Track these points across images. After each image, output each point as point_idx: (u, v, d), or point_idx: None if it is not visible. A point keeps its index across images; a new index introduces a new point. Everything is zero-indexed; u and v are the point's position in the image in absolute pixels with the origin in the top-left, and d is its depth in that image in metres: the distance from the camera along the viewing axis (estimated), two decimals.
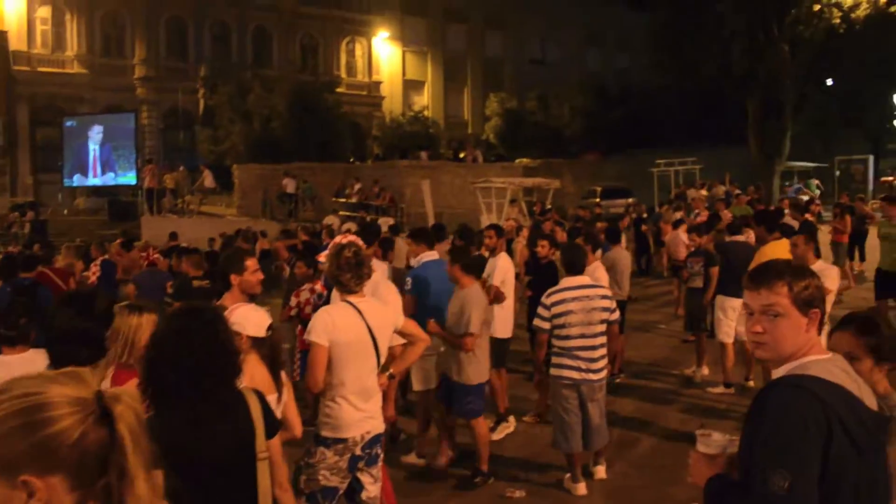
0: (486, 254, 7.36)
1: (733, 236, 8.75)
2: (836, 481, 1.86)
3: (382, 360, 4.01)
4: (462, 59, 47.19)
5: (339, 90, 37.01)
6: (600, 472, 5.64)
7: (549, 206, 23.95)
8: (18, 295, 7.80)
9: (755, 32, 25.73)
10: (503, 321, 6.92)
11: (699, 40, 26.11)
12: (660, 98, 35.56)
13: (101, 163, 31.51)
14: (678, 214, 16.60)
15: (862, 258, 15.16)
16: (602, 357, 5.27)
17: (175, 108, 36.44)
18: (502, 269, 6.87)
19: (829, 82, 29.44)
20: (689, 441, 2.31)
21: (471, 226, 14.42)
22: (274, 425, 2.67)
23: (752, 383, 7.89)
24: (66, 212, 32.11)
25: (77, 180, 32.31)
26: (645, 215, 19.43)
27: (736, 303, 7.46)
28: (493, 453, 6.07)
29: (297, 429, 3.67)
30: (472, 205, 24.88)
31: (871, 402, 1.99)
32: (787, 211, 15.42)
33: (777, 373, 2.05)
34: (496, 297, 6.78)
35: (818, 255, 11.62)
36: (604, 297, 5.34)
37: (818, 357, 2.02)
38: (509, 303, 6.99)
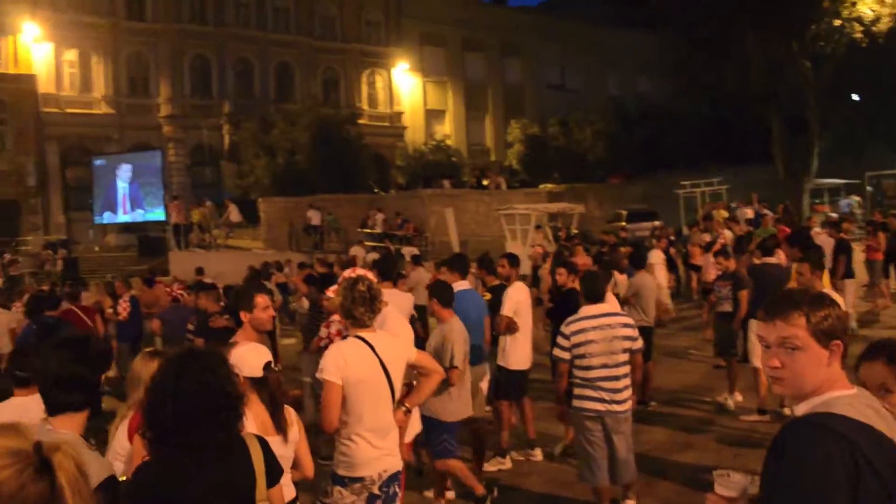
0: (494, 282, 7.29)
1: (765, 257, 8.57)
2: None
3: (397, 395, 3.92)
4: (482, 87, 47.43)
5: (361, 122, 37.31)
6: None
7: (574, 231, 23.89)
8: (43, 333, 7.89)
9: (775, 49, 25.53)
10: (517, 352, 6.77)
11: (716, 59, 25.97)
12: (682, 118, 35.39)
13: (129, 200, 32.05)
14: (707, 237, 16.39)
15: None
16: (626, 387, 5.12)
17: (201, 144, 36.95)
18: (513, 300, 6.76)
19: (855, 97, 29.07)
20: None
21: (491, 255, 14.34)
22: (276, 473, 2.59)
23: (787, 410, 7.65)
24: (97, 248, 32.63)
25: (107, 217, 32.86)
26: (672, 238, 19.18)
27: None
28: (519, 487, 5.94)
29: (309, 469, 3.58)
30: (497, 232, 24.85)
31: None
32: (817, 229, 15.15)
33: (798, 410, 1.92)
34: (508, 327, 6.68)
35: (851, 275, 11.37)
36: (626, 325, 5.19)
37: (843, 393, 1.88)
38: (524, 333, 6.85)
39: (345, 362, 3.70)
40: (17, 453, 1.15)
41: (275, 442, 3.33)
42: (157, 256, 27.80)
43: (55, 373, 2.53)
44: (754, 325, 7.71)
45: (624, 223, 27.35)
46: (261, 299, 4.30)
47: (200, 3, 37.75)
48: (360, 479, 3.76)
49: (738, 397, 8.31)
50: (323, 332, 7.14)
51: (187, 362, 2.43)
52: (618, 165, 36.96)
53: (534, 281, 14.43)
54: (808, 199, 27.77)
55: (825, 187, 29.06)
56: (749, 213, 21.61)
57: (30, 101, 33.75)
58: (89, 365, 2.55)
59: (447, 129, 45.26)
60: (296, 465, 3.54)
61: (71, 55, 35.03)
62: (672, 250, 17.55)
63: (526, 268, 19.59)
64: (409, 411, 4.17)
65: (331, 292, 4.40)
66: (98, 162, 33.07)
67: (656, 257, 13.18)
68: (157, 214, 30.95)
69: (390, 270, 7.15)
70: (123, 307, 11.87)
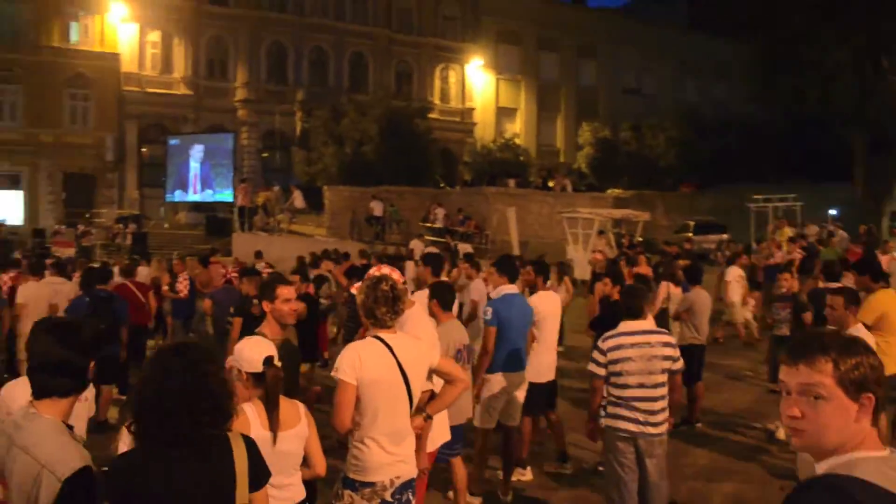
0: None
1: (829, 282, 8.11)
2: None
3: (416, 400, 3.75)
4: (555, 88, 46.91)
5: (431, 116, 37.33)
6: None
7: (639, 239, 23.37)
8: (94, 307, 8.05)
9: (862, 65, 24.44)
10: (539, 364, 6.51)
11: (800, 72, 24.99)
12: (758, 130, 34.26)
13: (200, 180, 32.81)
14: (779, 255, 15.75)
15: None
16: (663, 409, 4.85)
17: (273, 129, 37.59)
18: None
19: None
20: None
21: (550, 258, 14.11)
22: (261, 475, 2.49)
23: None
24: (166, 225, 33.55)
25: (178, 196, 33.73)
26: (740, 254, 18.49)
27: None
28: (546, 501, 5.73)
29: (320, 466, 3.49)
30: (559, 235, 24.51)
31: None
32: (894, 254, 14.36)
33: (819, 468, 1.71)
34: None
35: None
36: (666, 343, 4.91)
37: (870, 454, 1.65)
38: (545, 345, 6.56)
39: (360, 362, 3.58)
40: None
41: (284, 437, 3.25)
42: (223, 237, 28.38)
43: (40, 356, 2.47)
44: None
45: (690, 234, 26.65)
46: (282, 290, 4.23)
47: None
48: (371, 485, 3.63)
49: None
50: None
51: (174, 358, 2.36)
52: (689, 174, 36.09)
53: (591, 288, 14.11)
54: (888, 221, 26.55)
55: None
56: (813, 232, 20.61)
57: (113, 79, 34.90)
58: (77, 350, 2.47)
59: (517, 127, 44.94)
60: (306, 463, 3.45)
61: (154, 36, 36.06)
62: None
63: (585, 273, 19.29)
64: (429, 418, 4.00)
65: (354, 289, 4.26)
66: (173, 141, 33.96)
67: (733, 274, 12.70)
68: (226, 196, 31.58)
69: (439, 266, 7.03)
70: (183, 284, 12.07)
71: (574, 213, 23.93)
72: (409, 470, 3.74)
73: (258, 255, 17.52)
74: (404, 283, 4.47)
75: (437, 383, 4.15)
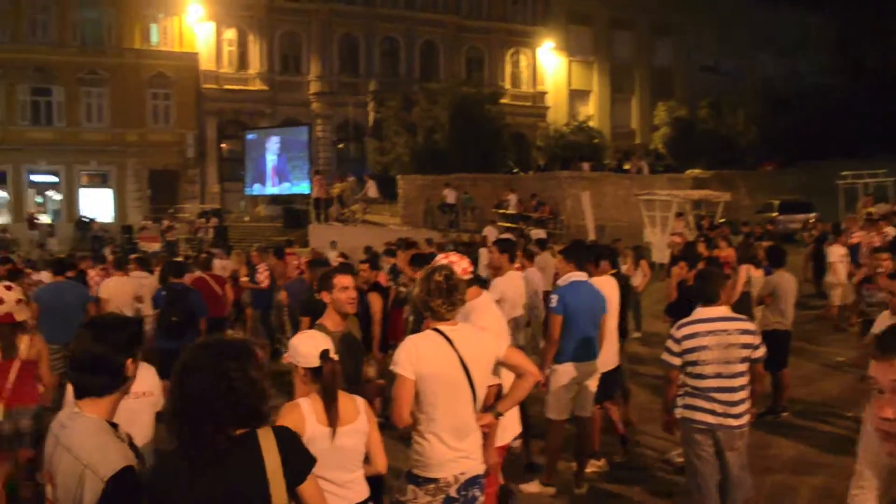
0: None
1: None
2: None
3: (480, 394, 3.61)
4: (629, 68, 45.78)
5: (503, 101, 37.00)
6: None
7: (720, 221, 22.60)
8: (172, 299, 8.26)
9: None
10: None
11: (886, 41, 23.56)
12: (845, 103, 32.57)
13: (277, 173, 33.51)
14: (876, 237, 14.89)
15: None
16: (743, 400, 4.58)
17: (346, 121, 38.01)
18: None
19: None
20: None
21: (627, 242, 13.77)
22: (301, 466, 2.38)
23: None
24: (246, 218, 34.44)
25: (257, 189, 34.55)
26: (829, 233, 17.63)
27: None
28: (620, 494, 5.55)
29: (381, 463, 3.42)
30: (636, 218, 23.96)
31: None
32: None
33: None
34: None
35: None
36: (745, 331, 4.62)
37: None
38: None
39: (417, 356, 3.47)
40: None
41: (342, 433, 3.20)
42: (300, 228, 28.93)
43: (77, 354, 2.45)
44: None
45: (775, 214, 25.65)
46: (339, 279, 4.18)
47: None
48: (435, 481, 3.54)
49: None
50: None
51: (198, 356, 2.30)
52: (771, 151, 34.68)
53: (669, 272, 13.74)
54: None
55: None
56: (882, 209, 19.34)
57: (192, 78, 35.93)
58: (111, 348, 2.42)
59: (591, 110, 44.11)
60: (367, 459, 3.40)
61: (230, 34, 36.90)
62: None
63: (663, 257, 18.79)
64: (499, 416, 3.80)
65: (417, 276, 4.15)
66: (250, 136, 34.76)
67: (836, 254, 12.07)
68: (302, 188, 32.14)
69: (514, 252, 6.91)
70: (264, 275, 12.31)
71: (651, 195, 23.33)
72: (474, 466, 3.62)
73: (333, 245, 17.74)
74: (474, 272, 4.35)
75: (507, 379, 4.01)
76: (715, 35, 46.22)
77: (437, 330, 3.57)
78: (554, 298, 5.83)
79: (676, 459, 6.22)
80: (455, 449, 3.54)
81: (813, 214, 23.63)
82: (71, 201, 35.06)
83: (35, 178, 34.89)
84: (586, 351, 5.86)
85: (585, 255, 6.24)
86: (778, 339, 7.61)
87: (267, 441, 2.31)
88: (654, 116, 40.68)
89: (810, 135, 33.04)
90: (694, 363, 4.55)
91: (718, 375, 4.52)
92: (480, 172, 30.27)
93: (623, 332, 7.66)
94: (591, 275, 6.15)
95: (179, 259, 14.09)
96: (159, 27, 35.86)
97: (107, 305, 9.53)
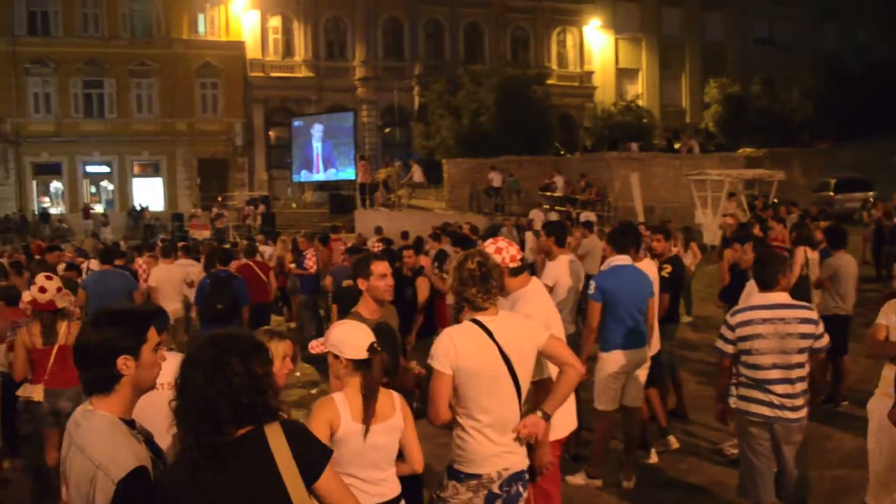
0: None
1: None
2: None
3: (524, 386, 3.43)
4: (679, 45, 44.67)
5: (549, 82, 36.52)
6: None
7: (774, 201, 21.92)
8: (216, 286, 8.29)
9: None
10: None
11: None
12: None
13: (323, 159, 33.63)
14: None
15: None
16: (803, 392, 4.32)
17: (391, 105, 38.00)
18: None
19: None
20: None
21: (677, 224, 13.43)
22: (316, 460, 2.26)
23: None
24: (294, 205, 34.70)
25: (304, 176, 34.75)
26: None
27: None
28: (670, 483, 5.36)
29: (417, 462, 3.28)
30: (686, 199, 23.41)
31: None
32: None
33: None
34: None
35: None
36: (804, 320, 4.29)
37: None
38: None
39: (455, 350, 3.29)
40: None
41: (376, 430, 3.08)
42: (346, 214, 29.01)
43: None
44: None
45: (832, 193, 24.79)
46: (377, 266, 4.05)
47: None
48: (477, 476, 3.39)
49: None
50: None
51: (197, 351, 2.19)
52: (829, 129, 33.51)
53: (721, 255, 13.39)
54: None
55: None
56: None
57: (239, 67, 36.31)
58: (103, 341, 2.29)
59: (639, 88, 43.23)
60: (402, 457, 3.27)
61: (275, 21, 37.13)
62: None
63: (715, 239, 18.31)
64: (547, 417, 3.51)
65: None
66: (296, 123, 34.96)
67: None
68: (348, 174, 32.19)
69: (563, 235, 6.72)
70: (312, 261, 12.32)
71: (702, 175, 22.72)
72: (518, 461, 3.46)
73: (377, 230, 17.69)
74: (522, 258, 4.16)
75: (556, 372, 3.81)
76: (769, 6, 44.79)
77: (475, 321, 3.40)
78: (592, 285, 5.63)
79: (730, 451, 5.99)
80: (498, 444, 3.38)
81: (871, 193, 22.76)
82: (123, 191, 35.84)
83: (89, 168, 35.74)
84: (634, 338, 5.64)
85: (627, 238, 6.00)
86: (838, 325, 7.27)
87: (275, 437, 2.20)
88: (705, 94, 39.67)
89: (871, 110, 31.80)
90: (749, 352, 4.31)
91: (775, 366, 4.27)
92: (526, 155, 29.91)
93: (675, 317, 7.42)
94: (633, 259, 5.92)
95: (225, 246, 14.20)
96: (206, 17, 36.26)
97: (156, 293, 9.65)
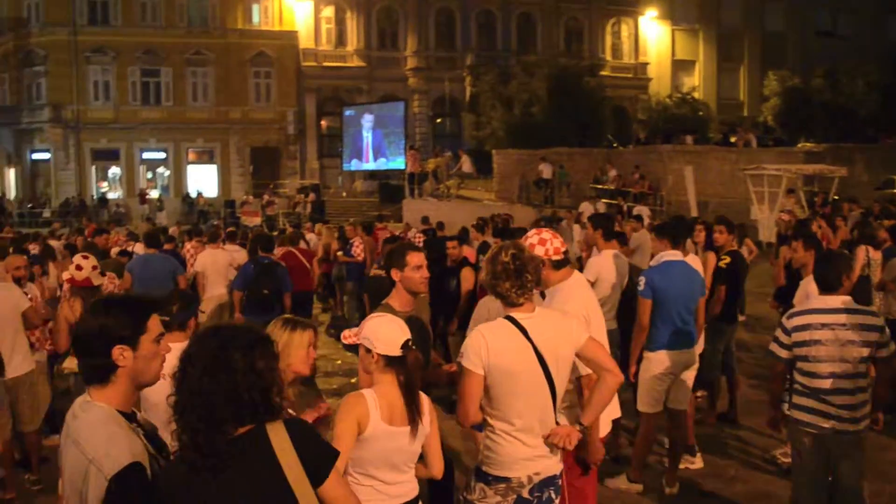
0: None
1: None
2: None
3: (560, 387, 3.24)
4: (738, 36, 43.47)
5: (603, 73, 35.99)
6: None
7: (835, 197, 21.17)
8: (259, 273, 8.29)
9: None
10: None
11: None
12: None
13: (373, 149, 33.71)
14: None
15: None
16: (864, 403, 4.04)
17: (443, 96, 37.89)
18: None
19: None
20: None
21: (732, 219, 12.98)
22: (321, 462, 2.15)
23: None
24: (344, 194, 34.90)
25: (354, 165, 34.89)
26: None
27: None
28: (716, 494, 5.13)
29: (437, 467, 3.12)
30: (742, 194, 22.78)
31: None
32: None
33: None
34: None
35: None
36: (867, 326, 4.00)
37: None
38: None
39: (487, 349, 3.10)
40: None
41: (399, 434, 2.94)
42: (395, 203, 29.05)
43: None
44: None
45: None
46: (412, 257, 3.90)
47: None
48: (507, 480, 3.22)
49: None
50: None
51: (199, 345, 2.08)
52: (894, 123, 32.26)
53: (777, 253, 12.96)
54: None
55: None
56: None
57: (292, 56, 36.61)
58: (98, 330, 2.20)
59: (695, 80, 42.26)
60: (423, 460, 3.12)
61: (328, 11, 37.31)
62: None
63: (770, 235, 17.75)
64: (584, 431, 3.31)
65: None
66: (348, 112, 35.08)
67: None
68: (398, 163, 32.22)
69: (610, 228, 6.52)
70: (360, 248, 12.31)
71: (759, 169, 22.06)
72: (551, 465, 3.28)
73: (424, 220, 17.61)
74: (566, 251, 3.97)
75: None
76: None
77: (509, 318, 3.22)
78: (641, 281, 5.40)
79: (782, 459, 5.72)
80: (531, 446, 3.21)
81: None
82: (178, 177, 36.51)
83: (146, 155, 36.49)
84: (681, 338, 5.40)
85: (678, 230, 5.74)
86: None
87: (278, 436, 2.09)
88: (765, 86, 38.53)
89: None
90: (805, 359, 4.04)
91: (833, 374, 3.99)
92: (578, 146, 29.50)
93: (733, 317, 7.11)
94: (685, 254, 5.66)
95: (271, 233, 14.28)
96: (260, 7, 36.61)
97: (202, 278, 9.76)
